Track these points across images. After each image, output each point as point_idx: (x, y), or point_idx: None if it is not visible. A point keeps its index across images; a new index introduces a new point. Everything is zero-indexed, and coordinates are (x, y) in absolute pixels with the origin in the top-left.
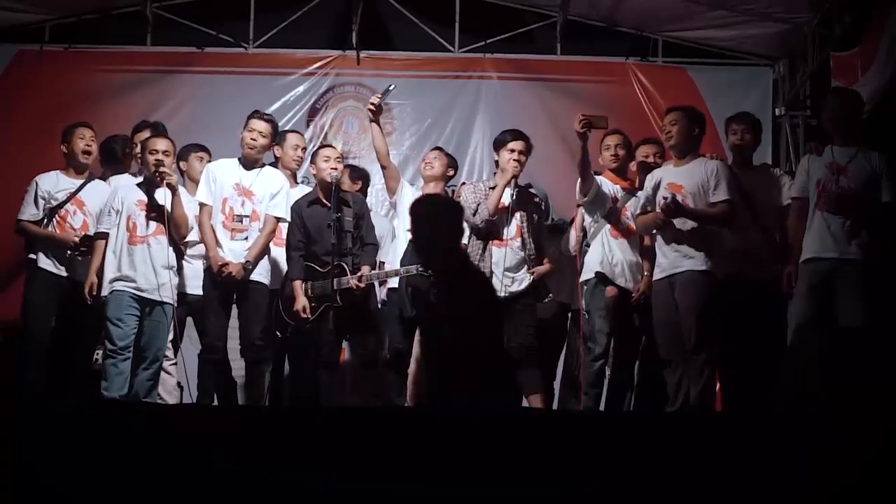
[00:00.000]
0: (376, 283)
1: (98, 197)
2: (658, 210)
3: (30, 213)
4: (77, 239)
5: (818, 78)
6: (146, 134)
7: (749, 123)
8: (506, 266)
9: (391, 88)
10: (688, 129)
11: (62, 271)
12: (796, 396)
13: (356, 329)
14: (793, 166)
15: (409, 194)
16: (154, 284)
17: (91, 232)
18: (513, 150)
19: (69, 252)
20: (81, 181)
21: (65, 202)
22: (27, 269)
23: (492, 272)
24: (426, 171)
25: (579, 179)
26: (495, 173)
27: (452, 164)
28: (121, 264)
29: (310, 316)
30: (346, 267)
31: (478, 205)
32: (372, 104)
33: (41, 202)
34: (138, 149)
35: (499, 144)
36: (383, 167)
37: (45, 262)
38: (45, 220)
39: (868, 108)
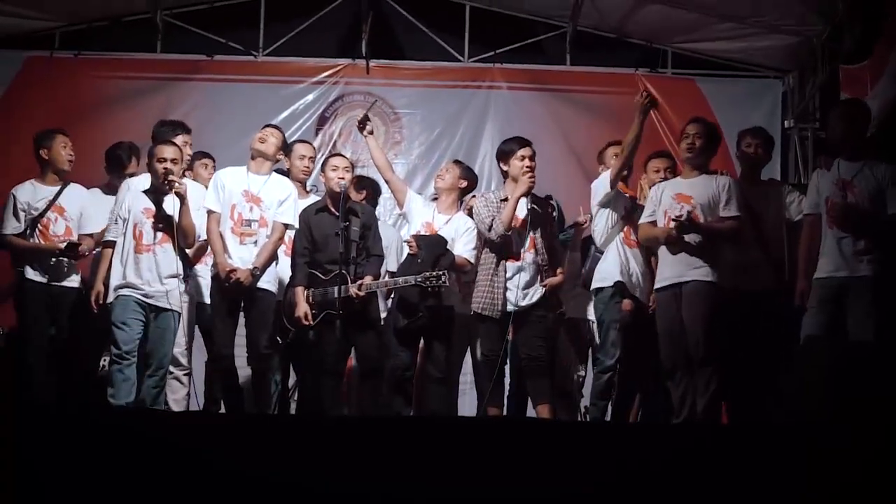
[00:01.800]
0: (379, 293)
1: (77, 200)
2: (667, 222)
3: (12, 226)
4: (62, 246)
5: (827, 91)
6: (177, 134)
7: (763, 139)
8: (520, 281)
9: (376, 103)
10: (708, 145)
11: (54, 281)
12: (801, 407)
13: (361, 338)
14: (801, 179)
15: (417, 205)
16: (160, 291)
17: (75, 236)
18: (523, 157)
19: (53, 259)
20: (58, 188)
21: (45, 211)
22: (17, 282)
23: (506, 287)
24: (437, 183)
25: (620, 163)
26: (505, 183)
27: (466, 175)
28: (126, 272)
29: (311, 322)
30: (347, 276)
31: (492, 219)
32: (358, 120)
33: (21, 214)
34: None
35: (506, 154)
36: (387, 181)
37: (32, 274)
38: (28, 231)
39: (877, 121)
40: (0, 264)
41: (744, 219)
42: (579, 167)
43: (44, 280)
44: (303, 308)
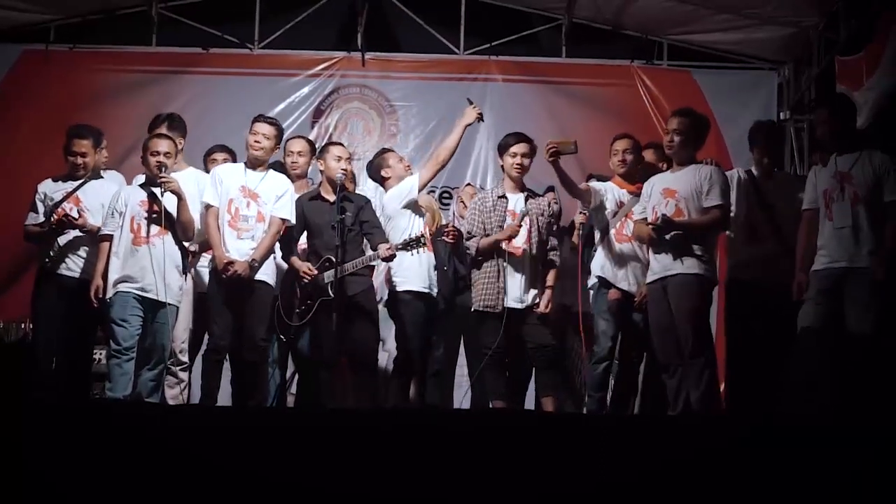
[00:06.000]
0: (376, 284)
1: (95, 194)
2: (654, 219)
3: (32, 217)
4: (55, 220)
5: (823, 82)
6: (163, 127)
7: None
8: (522, 275)
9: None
10: (692, 140)
11: (63, 271)
12: (802, 402)
13: (357, 329)
14: (797, 170)
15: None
16: (159, 285)
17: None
18: (515, 154)
19: (56, 241)
20: (79, 182)
21: (61, 201)
22: (37, 272)
23: (506, 283)
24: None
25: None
26: (503, 179)
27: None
28: (124, 266)
29: (316, 273)
30: (334, 260)
31: (482, 227)
32: (480, 114)
33: (40, 206)
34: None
35: (502, 149)
36: (443, 165)
37: (45, 263)
38: (45, 221)
39: (873, 111)
40: None
41: (727, 206)
42: (575, 160)
43: (63, 273)
44: (302, 266)
